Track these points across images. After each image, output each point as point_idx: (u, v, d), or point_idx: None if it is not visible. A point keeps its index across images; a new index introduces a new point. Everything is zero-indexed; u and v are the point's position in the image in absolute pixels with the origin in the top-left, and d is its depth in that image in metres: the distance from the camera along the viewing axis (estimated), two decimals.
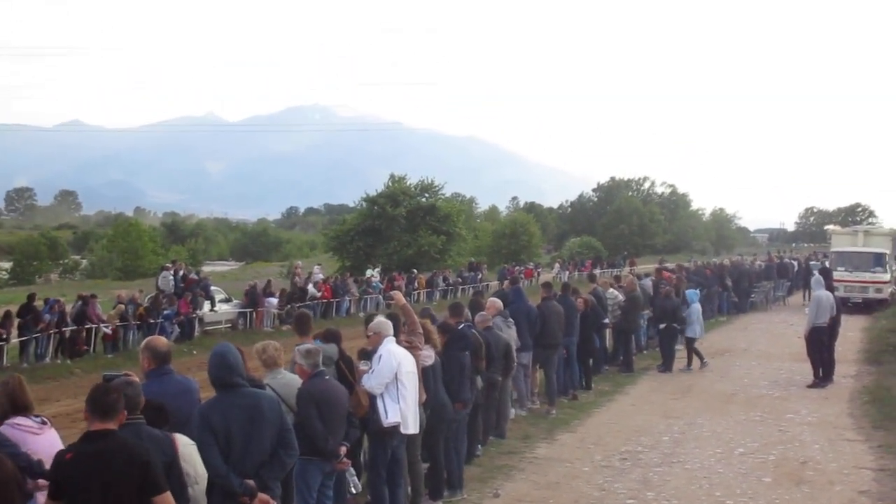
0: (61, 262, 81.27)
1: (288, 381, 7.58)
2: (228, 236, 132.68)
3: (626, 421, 14.46)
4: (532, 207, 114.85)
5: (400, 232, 57.99)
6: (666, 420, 14.44)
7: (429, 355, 9.63)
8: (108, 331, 24.68)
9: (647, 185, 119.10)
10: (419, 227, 58.53)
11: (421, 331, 9.58)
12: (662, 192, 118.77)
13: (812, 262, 42.33)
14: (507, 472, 11.19)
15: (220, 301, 31.07)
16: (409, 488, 9.44)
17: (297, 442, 6.60)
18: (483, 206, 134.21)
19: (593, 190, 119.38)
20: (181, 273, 31.01)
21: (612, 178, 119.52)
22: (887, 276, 33.13)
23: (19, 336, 22.64)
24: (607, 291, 20.09)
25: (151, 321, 25.83)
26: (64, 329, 23.59)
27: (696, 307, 20.85)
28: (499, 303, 13.53)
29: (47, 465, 5.37)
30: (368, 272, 44.99)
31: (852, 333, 24.28)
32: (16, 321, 22.79)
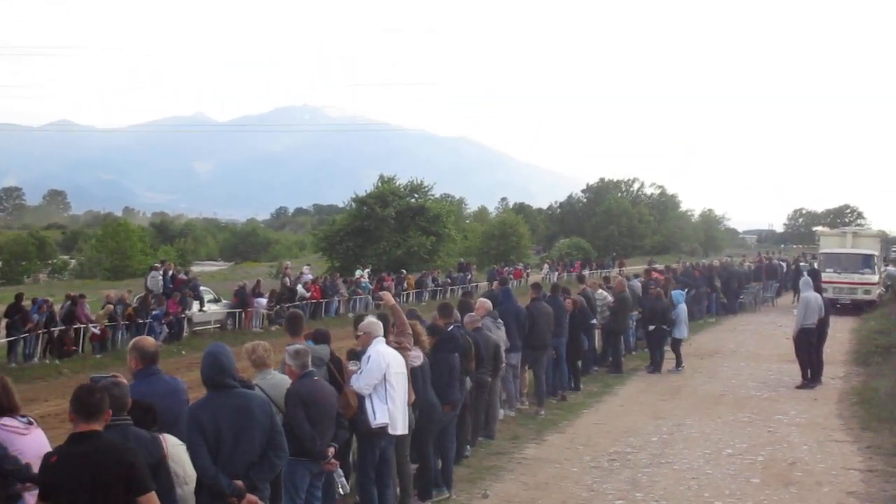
0: (50, 262, 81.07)
1: (277, 381, 7.57)
2: (217, 236, 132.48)
3: (615, 422, 14.47)
4: (521, 208, 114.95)
5: (389, 232, 58.02)
6: (655, 421, 14.45)
7: (418, 356, 9.62)
8: (97, 331, 24.59)
9: (636, 186, 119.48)
10: (408, 227, 58.58)
11: (410, 331, 9.57)
12: (652, 194, 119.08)
13: (802, 264, 42.45)
14: (495, 472, 11.18)
15: (209, 301, 30.98)
16: (398, 489, 9.43)
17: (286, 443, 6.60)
18: (473, 206, 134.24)
19: (582, 191, 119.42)
20: (170, 273, 30.90)
21: (602, 180, 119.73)
22: (875, 278, 33.24)
23: (7, 336, 22.56)
24: (596, 292, 20.11)
25: (140, 321, 25.75)
26: (52, 329, 23.51)
27: (682, 308, 20.87)
28: (488, 303, 13.52)
29: (36, 466, 5.35)
30: (358, 273, 44.91)
31: (841, 335, 24.34)
32: (3, 321, 22.72)
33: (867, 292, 32.45)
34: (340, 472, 8.21)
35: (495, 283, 24.64)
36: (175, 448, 6.03)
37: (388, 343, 8.99)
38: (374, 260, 55.33)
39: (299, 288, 35.08)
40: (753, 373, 19.61)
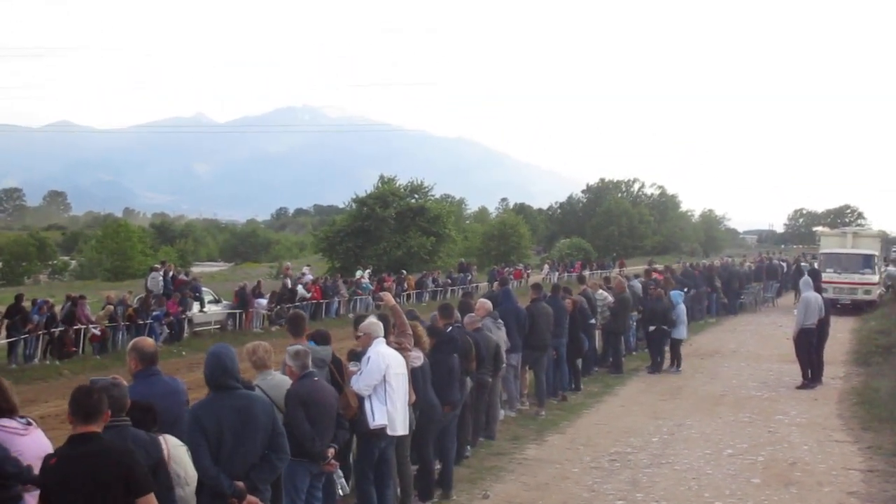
0: (50, 262, 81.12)
1: (277, 382, 7.55)
2: (218, 237, 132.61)
3: (616, 422, 14.46)
4: (522, 209, 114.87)
5: (389, 233, 58.05)
6: (655, 421, 14.44)
7: (418, 356, 9.61)
8: (97, 332, 24.58)
9: (636, 186, 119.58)
10: (409, 228, 58.61)
11: (410, 332, 9.56)
12: (652, 194, 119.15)
13: (802, 264, 42.44)
14: (496, 473, 11.17)
15: (210, 302, 30.98)
16: (399, 489, 9.43)
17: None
18: (473, 207, 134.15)
19: (583, 191, 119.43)
20: (170, 274, 30.91)
21: (602, 180, 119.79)
22: (876, 278, 33.24)
23: (8, 337, 22.55)
24: (597, 293, 20.10)
25: (140, 322, 25.73)
26: (53, 330, 23.51)
27: (681, 308, 20.86)
28: (488, 304, 13.51)
29: (36, 467, 5.35)
30: (358, 273, 44.94)
31: (841, 335, 24.32)
32: (4, 322, 22.71)
33: (867, 292, 32.45)
34: (340, 472, 8.20)
35: (496, 284, 24.66)
36: (176, 449, 6.02)
37: (388, 344, 8.98)
38: (375, 260, 55.34)
39: (300, 288, 35.08)
40: (754, 373, 19.60)
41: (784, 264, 43.97)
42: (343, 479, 8.31)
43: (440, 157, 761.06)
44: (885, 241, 40.18)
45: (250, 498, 6.23)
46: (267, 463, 6.42)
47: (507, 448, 12.48)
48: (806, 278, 19.51)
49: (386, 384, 8.57)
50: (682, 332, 20.42)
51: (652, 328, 20.04)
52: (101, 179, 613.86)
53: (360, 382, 8.53)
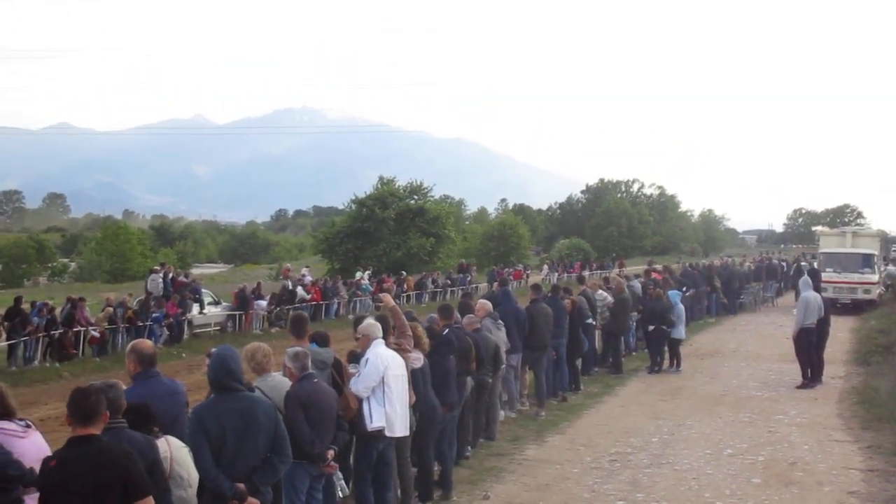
0: (50, 265, 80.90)
1: (277, 383, 7.55)
2: (217, 239, 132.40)
3: (616, 422, 14.46)
4: (521, 209, 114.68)
5: (389, 234, 58.01)
6: (655, 421, 14.44)
7: (418, 357, 9.60)
8: (96, 334, 24.57)
9: (635, 186, 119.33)
10: (408, 229, 58.57)
11: (410, 333, 9.55)
12: (651, 194, 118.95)
13: (802, 264, 42.44)
14: (496, 473, 11.17)
15: (209, 304, 30.98)
16: (399, 491, 9.42)
17: None
18: (472, 208, 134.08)
19: (582, 192, 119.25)
20: (170, 276, 30.89)
21: (601, 180, 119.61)
22: (875, 277, 33.24)
23: (7, 339, 22.54)
24: (596, 293, 20.09)
25: (140, 324, 25.74)
26: (52, 332, 23.50)
27: (680, 308, 20.85)
28: (488, 305, 13.51)
29: (36, 470, 5.35)
30: (358, 274, 44.97)
31: (841, 334, 24.31)
32: (3, 324, 22.70)
33: (867, 292, 32.45)
34: (340, 474, 8.19)
35: (495, 285, 24.65)
36: (179, 451, 6.03)
37: (388, 345, 8.98)
38: (374, 261, 55.29)
39: (299, 290, 35.09)
40: (754, 373, 19.60)
41: (784, 264, 43.97)
42: (343, 481, 8.30)
43: (440, 158, 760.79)
44: (885, 240, 40.20)
45: (251, 500, 6.23)
46: (269, 465, 6.43)
47: (508, 449, 12.48)
48: (805, 278, 19.53)
49: (384, 386, 8.56)
50: (680, 331, 20.42)
51: (651, 328, 20.05)
52: (100, 181, 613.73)
53: (358, 384, 8.52)
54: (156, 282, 29.39)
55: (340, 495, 8.33)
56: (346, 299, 37.95)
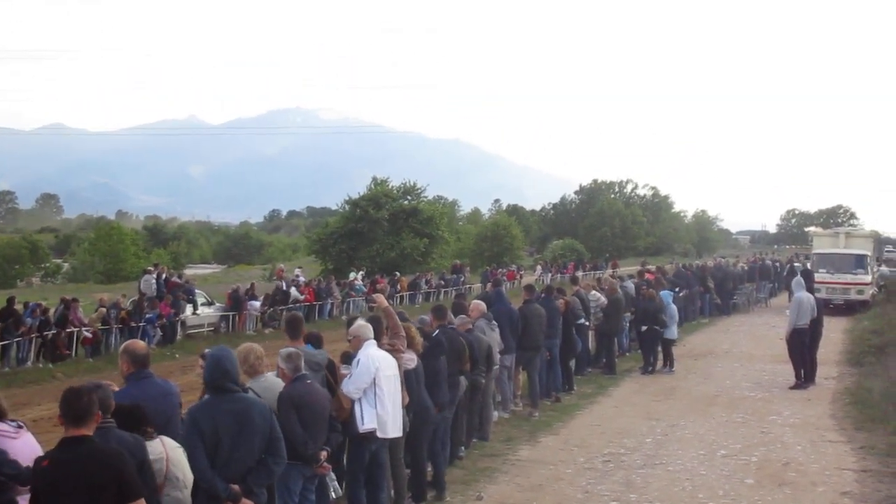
0: (43, 265, 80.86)
1: (269, 384, 7.55)
2: (211, 239, 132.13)
3: (609, 423, 14.47)
4: (514, 210, 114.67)
5: (382, 235, 57.94)
6: (648, 422, 14.46)
7: (411, 358, 9.60)
8: (90, 334, 24.54)
9: (629, 187, 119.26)
10: (402, 229, 58.53)
11: (403, 334, 9.54)
12: (645, 195, 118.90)
13: (795, 265, 42.52)
14: (489, 474, 11.17)
15: (203, 304, 30.97)
16: (392, 492, 9.42)
17: None
18: (467, 208, 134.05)
19: (575, 192, 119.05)
20: (163, 276, 30.86)
21: (595, 181, 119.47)
22: (868, 278, 33.30)
23: (0, 340, 22.50)
24: (589, 294, 20.10)
25: (133, 325, 25.71)
26: (46, 333, 23.47)
27: (672, 308, 20.88)
28: (482, 305, 13.53)
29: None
30: (351, 275, 44.93)
31: (834, 335, 24.38)
32: None
33: (860, 292, 32.53)
34: (333, 475, 8.20)
35: (489, 285, 24.66)
36: (174, 451, 6.04)
37: (381, 346, 8.97)
38: (368, 262, 55.21)
39: (293, 290, 35.07)
40: (747, 373, 19.63)
41: (777, 265, 44.04)
42: (336, 482, 8.30)
43: (436, 159, 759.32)
44: (878, 241, 40.28)
45: (245, 501, 6.23)
46: (263, 467, 6.43)
47: (501, 449, 12.48)
48: (798, 278, 19.53)
49: (376, 387, 8.55)
50: (673, 332, 20.44)
51: (644, 328, 20.07)
52: (95, 182, 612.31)
53: (349, 385, 8.51)
54: (149, 282, 29.36)
55: (333, 496, 8.32)
56: (339, 300, 37.93)
